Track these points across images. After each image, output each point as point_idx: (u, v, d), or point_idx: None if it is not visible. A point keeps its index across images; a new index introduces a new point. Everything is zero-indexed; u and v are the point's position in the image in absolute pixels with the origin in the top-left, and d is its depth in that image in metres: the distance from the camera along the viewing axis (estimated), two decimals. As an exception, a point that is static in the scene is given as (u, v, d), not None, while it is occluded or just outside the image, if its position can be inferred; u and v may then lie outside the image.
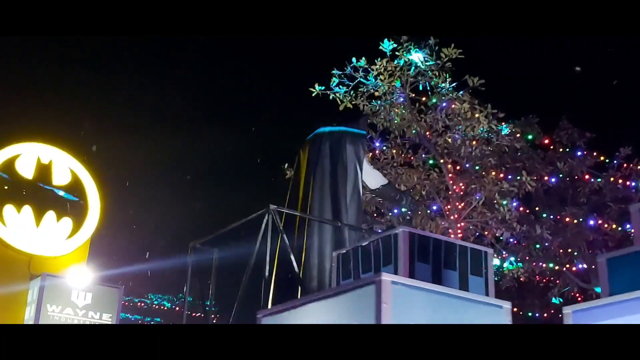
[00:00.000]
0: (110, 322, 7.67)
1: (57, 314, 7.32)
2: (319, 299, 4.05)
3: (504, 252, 10.59)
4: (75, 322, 7.47)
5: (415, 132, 9.96)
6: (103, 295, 7.71)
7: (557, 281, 11.53)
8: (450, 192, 10.16)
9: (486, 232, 10.24)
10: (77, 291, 7.47)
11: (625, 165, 10.72)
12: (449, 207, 10.11)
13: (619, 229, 10.43)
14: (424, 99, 10.04)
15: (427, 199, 10.37)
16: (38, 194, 8.02)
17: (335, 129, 6.71)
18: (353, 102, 9.99)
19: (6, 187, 7.74)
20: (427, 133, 10.10)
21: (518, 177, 9.90)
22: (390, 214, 10.18)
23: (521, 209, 10.02)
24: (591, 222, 10.39)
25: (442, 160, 10.10)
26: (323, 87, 9.93)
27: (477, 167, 10.04)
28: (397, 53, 9.68)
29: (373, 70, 9.84)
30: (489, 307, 3.94)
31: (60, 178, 8.22)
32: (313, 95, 9.97)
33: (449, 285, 4.08)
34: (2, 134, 8.25)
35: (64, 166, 8.35)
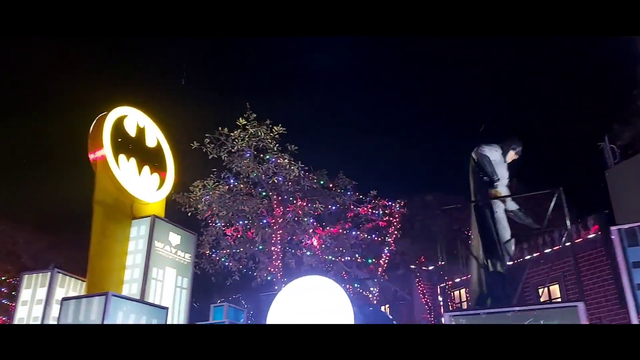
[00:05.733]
0: (189, 262, 8.92)
1: (161, 250, 8.42)
2: None
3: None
4: (170, 258, 8.58)
5: (255, 175, 16.41)
6: (187, 238, 9.07)
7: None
8: (274, 212, 16.75)
9: (294, 237, 16.98)
10: (172, 233, 8.72)
11: (373, 201, 18.26)
12: (273, 221, 16.67)
13: (367, 236, 17.91)
14: (261, 155, 16.55)
15: (260, 216, 16.83)
16: (139, 150, 9.09)
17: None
18: (218, 154, 16.18)
19: (119, 140, 8.71)
20: (263, 176, 16.60)
21: (314, 205, 16.80)
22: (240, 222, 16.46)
23: (315, 223, 16.93)
24: (353, 233, 17.78)
25: (270, 193, 16.69)
26: (199, 144, 16.04)
27: (291, 198, 16.79)
28: (247, 127, 16.15)
29: (232, 135, 16.17)
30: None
31: (150, 142, 9.39)
32: (192, 148, 16.03)
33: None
34: (111, 96, 9.55)
35: (153, 134, 9.46)
